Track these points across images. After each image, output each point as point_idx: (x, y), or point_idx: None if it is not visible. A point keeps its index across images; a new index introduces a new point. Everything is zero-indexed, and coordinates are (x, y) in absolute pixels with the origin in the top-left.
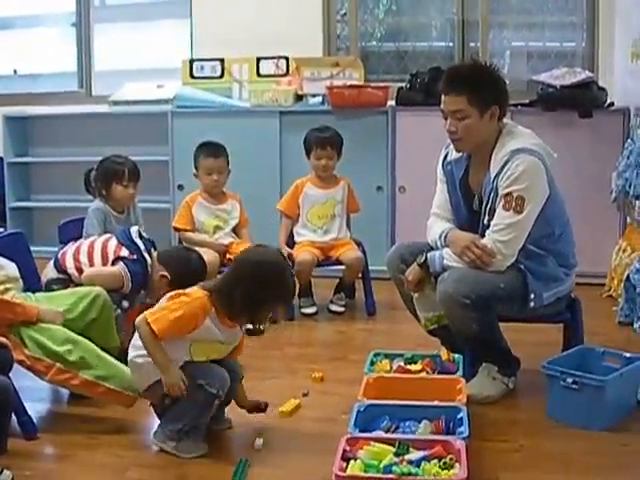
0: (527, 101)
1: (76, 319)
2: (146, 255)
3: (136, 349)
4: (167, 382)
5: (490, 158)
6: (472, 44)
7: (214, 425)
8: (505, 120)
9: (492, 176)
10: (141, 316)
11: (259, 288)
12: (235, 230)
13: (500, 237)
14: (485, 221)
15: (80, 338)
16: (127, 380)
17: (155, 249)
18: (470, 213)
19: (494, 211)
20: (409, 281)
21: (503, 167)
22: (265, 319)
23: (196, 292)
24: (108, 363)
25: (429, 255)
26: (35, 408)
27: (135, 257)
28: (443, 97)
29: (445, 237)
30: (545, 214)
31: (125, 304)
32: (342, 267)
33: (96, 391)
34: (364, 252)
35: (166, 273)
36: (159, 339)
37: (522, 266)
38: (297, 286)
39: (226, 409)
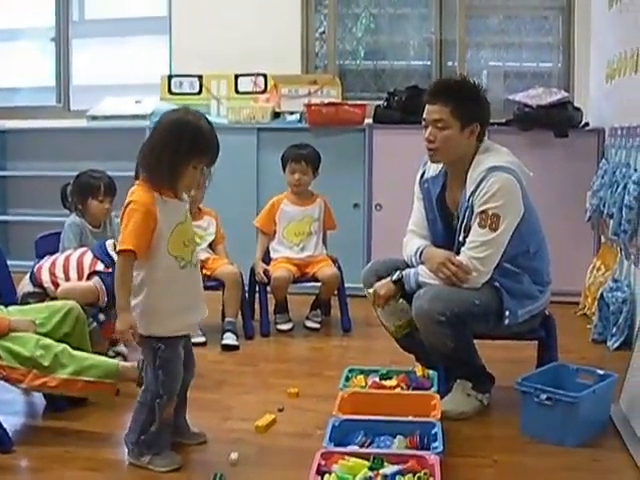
0: (503, 120)
1: (49, 333)
2: None
3: (134, 296)
4: (117, 327)
5: (466, 176)
6: (450, 63)
7: (186, 440)
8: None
9: (468, 194)
10: (118, 248)
11: (173, 142)
12: (211, 246)
13: (475, 254)
14: (460, 238)
15: (50, 341)
16: (103, 369)
17: None
18: (446, 230)
19: (469, 228)
20: (380, 295)
21: (479, 185)
22: (194, 178)
23: (133, 191)
24: (81, 358)
25: (404, 273)
26: (10, 421)
27: (110, 270)
28: (427, 106)
29: (421, 254)
30: (520, 232)
31: (101, 317)
32: (318, 284)
33: (75, 387)
34: (340, 269)
35: None
36: (136, 256)
37: (497, 283)
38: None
39: (189, 421)
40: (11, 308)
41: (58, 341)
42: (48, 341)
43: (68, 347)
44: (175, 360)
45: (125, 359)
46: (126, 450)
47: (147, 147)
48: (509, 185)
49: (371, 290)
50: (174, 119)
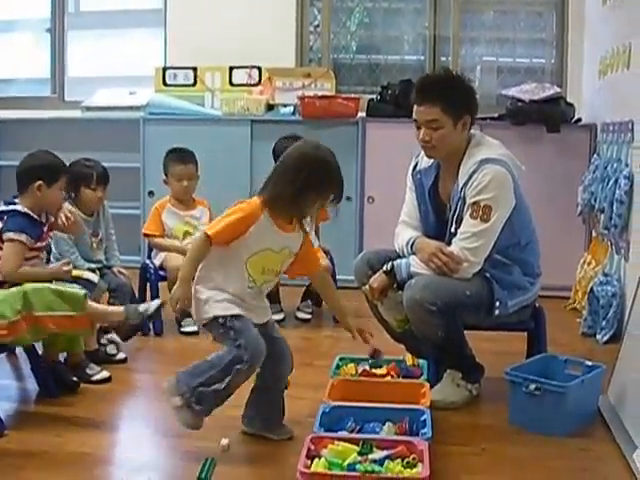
0: (496, 115)
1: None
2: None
3: (199, 284)
4: (175, 294)
5: (459, 168)
6: (443, 58)
7: (273, 435)
8: (473, 131)
9: (460, 185)
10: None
11: (303, 176)
12: None
13: (467, 244)
14: (452, 229)
15: (21, 289)
16: (67, 302)
17: None
18: (438, 222)
19: (461, 220)
20: (374, 288)
21: (471, 177)
22: (315, 210)
23: (252, 201)
24: (51, 292)
25: (395, 263)
26: (3, 407)
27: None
28: (416, 107)
29: (412, 244)
30: (511, 223)
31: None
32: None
33: (52, 323)
34: (332, 261)
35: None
36: (211, 242)
37: (488, 274)
38: None
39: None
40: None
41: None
42: (12, 291)
43: (30, 285)
44: (250, 329)
45: (118, 348)
46: (167, 382)
47: (284, 177)
48: (501, 177)
49: (366, 287)
50: (319, 158)
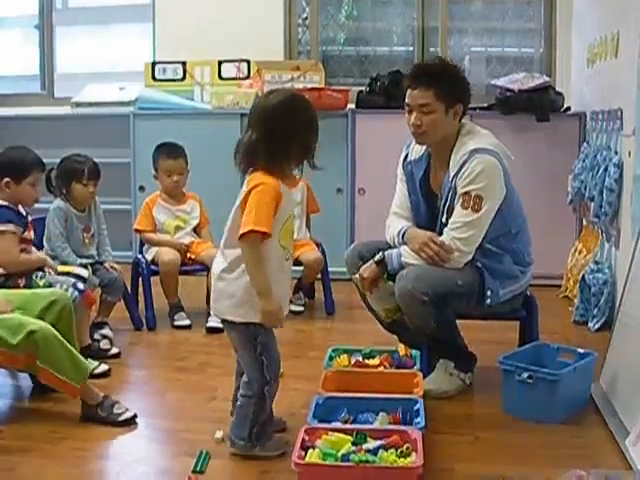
0: (486, 105)
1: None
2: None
3: (238, 278)
4: (265, 309)
5: (449, 158)
6: (432, 49)
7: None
8: (464, 120)
9: (451, 175)
10: (243, 230)
11: (288, 121)
12: (196, 230)
13: (458, 234)
14: (443, 220)
15: (33, 326)
16: (73, 369)
17: None
18: (429, 212)
19: (452, 210)
20: (364, 278)
21: (462, 167)
22: (310, 153)
23: (255, 177)
24: (59, 350)
25: (386, 253)
26: None
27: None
28: (410, 91)
29: (403, 235)
30: (502, 213)
31: (81, 286)
32: (301, 267)
33: (45, 376)
34: (323, 252)
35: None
36: (265, 238)
37: (479, 264)
38: None
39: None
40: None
41: None
42: (31, 324)
43: (46, 327)
44: (274, 343)
45: (111, 342)
46: (229, 443)
47: (265, 132)
48: (491, 167)
49: (357, 276)
50: (290, 101)
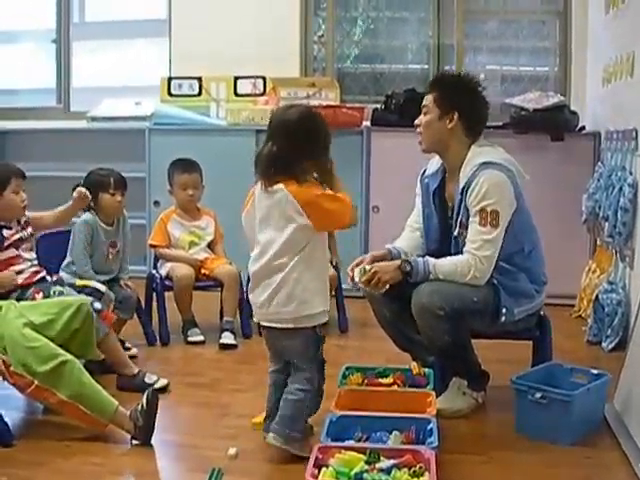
0: (500, 123)
1: (61, 330)
2: None
3: (313, 280)
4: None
5: (460, 171)
6: (447, 67)
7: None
8: (480, 137)
9: (460, 188)
10: (343, 224)
11: (307, 135)
12: (210, 246)
13: (481, 253)
14: (455, 233)
15: (62, 357)
16: (100, 405)
17: None
18: (441, 225)
19: (462, 223)
20: (381, 280)
21: (470, 181)
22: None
23: (303, 189)
24: (83, 382)
25: (414, 269)
26: (11, 416)
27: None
28: None
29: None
30: (514, 229)
31: (97, 305)
32: None
33: (69, 411)
34: (337, 269)
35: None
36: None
37: (495, 281)
38: None
39: None
40: (23, 303)
41: (67, 337)
42: (61, 356)
43: (75, 360)
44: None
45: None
46: (281, 441)
47: (286, 144)
48: (498, 181)
49: (367, 267)
50: (309, 115)
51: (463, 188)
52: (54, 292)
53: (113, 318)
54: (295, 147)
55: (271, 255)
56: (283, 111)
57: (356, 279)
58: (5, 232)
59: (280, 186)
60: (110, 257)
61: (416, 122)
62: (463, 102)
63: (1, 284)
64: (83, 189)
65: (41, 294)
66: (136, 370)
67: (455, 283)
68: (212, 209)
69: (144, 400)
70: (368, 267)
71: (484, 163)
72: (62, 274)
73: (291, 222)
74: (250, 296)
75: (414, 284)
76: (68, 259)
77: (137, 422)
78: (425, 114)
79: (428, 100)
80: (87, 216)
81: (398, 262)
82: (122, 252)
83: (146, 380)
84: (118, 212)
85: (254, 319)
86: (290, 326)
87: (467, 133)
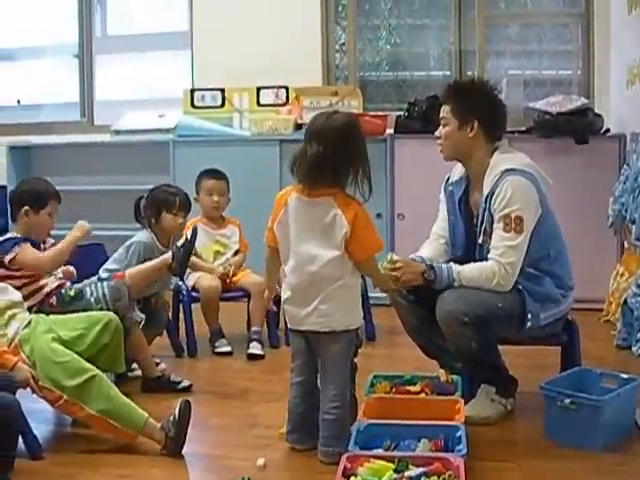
0: (524, 128)
1: (90, 345)
2: None
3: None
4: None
5: (483, 178)
6: (469, 73)
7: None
8: (501, 142)
9: (484, 195)
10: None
11: (352, 142)
12: (235, 255)
13: (505, 259)
14: (480, 241)
15: (91, 372)
16: (129, 418)
17: None
18: (467, 232)
19: (487, 231)
20: (401, 280)
21: (494, 188)
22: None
23: (350, 202)
24: (112, 396)
25: (437, 277)
26: (40, 429)
27: None
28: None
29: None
30: (539, 234)
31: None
32: None
33: (98, 425)
34: (363, 278)
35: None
36: None
37: (520, 286)
38: None
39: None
40: (53, 317)
41: (96, 353)
42: (88, 370)
43: (103, 375)
44: None
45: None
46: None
47: (333, 149)
48: (523, 186)
49: (396, 258)
50: (355, 120)
51: (487, 196)
52: (65, 290)
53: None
54: (343, 150)
55: (316, 269)
56: (327, 116)
57: (380, 264)
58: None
59: (328, 199)
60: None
61: (436, 134)
62: (481, 108)
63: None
64: (88, 226)
65: (54, 297)
66: (160, 371)
67: (479, 289)
68: (236, 218)
69: (177, 411)
70: (396, 258)
71: (507, 170)
72: (101, 274)
73: (337, 237)
74: (288, 307)
75: (440, 290)
76: (109, 264)
77: (169, 433)
78: (444, 126)
79: (445, 111)
80: (146, 237)
81: (423, 267)
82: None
83: (172, 379)
84: (177, 233)
85: (290, 326)
86: (341, 329)
87: (488, 139)
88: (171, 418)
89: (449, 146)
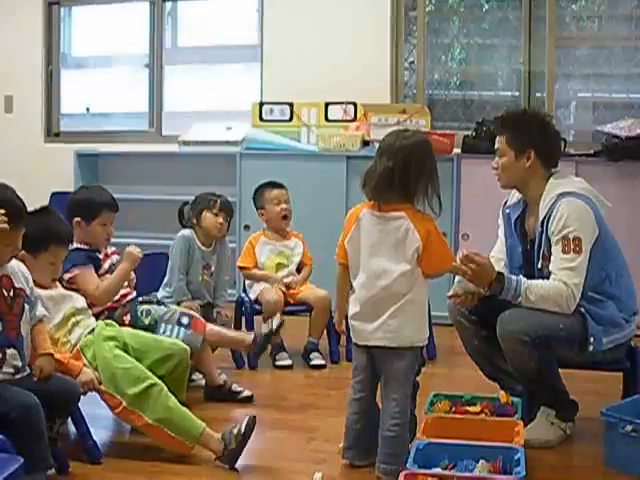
0: (592, 151)
1: (154, 362)
2: None
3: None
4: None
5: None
6: (538, 94)
7: None
8: (558, 168)
9: (540, 219)
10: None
11: (424, 160)
12: (298, 269)
13: (573, 280)
14: (538, 265)
15: (151, 380)
16: (186, 429)
17: None
18: (524, 256)
19: (545, 255)
20: (461, 297)
21: (550, 211)
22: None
23: (424, 217)
24: (170, 406)
25: (507, 283)
26: (99, 435)
27: None
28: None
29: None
30: (597, 257)
31: (185, 320)
32: None
33: (155, 434)
34: None
35: None
36: None
37: (583, 309)
38: None
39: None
40: (124, 329)
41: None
42: (149, 380)
43: (162, 384)
44: None
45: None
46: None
47: (403, 165)
48: (579, 208)
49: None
50: (427, 139)
51: (543, 219)
52: (141, 312)
53: (204, 324)
54: (413, 166)
55: (387, 283)
56: (398, 133)
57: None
58: (100, 255)
59: (400, 214)
60: (203, 280)
61: (493, 165)
62: (536, 138)
63: None
64: (137, 253)
65: (129, 316)
66: (222, 381)
67: (541, 310)
68: (301, 233)
69: (243, 425)
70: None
71: (562, 193)
72: (160, 292)
73: (409, 252)
74: (355, 322)
75: (501, 308)
76: (167, 278)
77: (229, 445)
78: (501, 157)
79: (500, 143)
80: (186, 231)
81: (495, 275)
82: (216, 277)
83: (233, 389)
84: (218, 233)
85: (356, 341)
86: (407, 345)
87: (545, 166)
88: (235, 431)
89: (506, 177)
